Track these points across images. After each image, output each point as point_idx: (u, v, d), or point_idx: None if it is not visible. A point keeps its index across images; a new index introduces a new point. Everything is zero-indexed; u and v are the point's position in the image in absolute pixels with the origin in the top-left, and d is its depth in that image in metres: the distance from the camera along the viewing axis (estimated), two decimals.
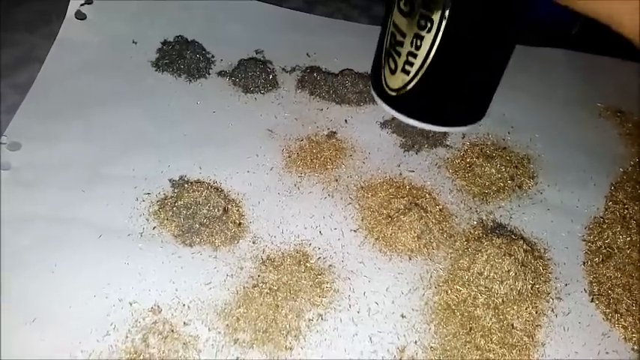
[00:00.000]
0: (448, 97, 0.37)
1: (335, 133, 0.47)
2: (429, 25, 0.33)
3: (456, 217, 0.42)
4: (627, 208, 0.45)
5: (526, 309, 0.37)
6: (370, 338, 0.35)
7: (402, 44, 0.35)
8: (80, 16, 0.51)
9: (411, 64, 0.35)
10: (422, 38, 0.34)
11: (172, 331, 0.34)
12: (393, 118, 0.48)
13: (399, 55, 0.36)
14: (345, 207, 0.42)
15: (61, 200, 0.39)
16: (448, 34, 0.33)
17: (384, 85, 0.38)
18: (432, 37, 0.33)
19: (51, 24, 0.51)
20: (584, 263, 0.41)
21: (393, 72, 0.37)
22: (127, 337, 0.33)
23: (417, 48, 0.34)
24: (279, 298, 0.36)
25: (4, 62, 0.48)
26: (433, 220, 0.41)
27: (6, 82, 0.46)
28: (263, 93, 0.49)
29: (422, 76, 0.35)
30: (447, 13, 0.32)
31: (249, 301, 0.35)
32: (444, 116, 0.38)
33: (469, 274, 0.38)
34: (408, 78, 0.36)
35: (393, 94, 0.37)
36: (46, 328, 0.33)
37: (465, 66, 0.35)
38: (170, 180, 0.41)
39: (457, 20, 0.32)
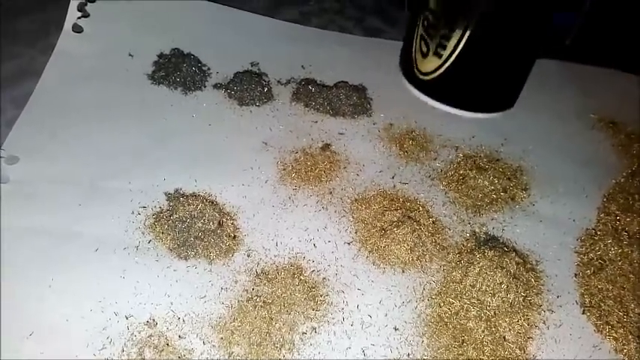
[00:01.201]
0: (480, 82, 0.36)
1: (329, 145, 0.47)
2: None
3: (449, 229, 0.43)
4: (619, 220, 0.45)
5: (518, 321, 0.37)
6: (363, 351, 0.35)
7: (436, 27, 0.35)
8: (77, 29, 0.52)
9: (444, 47, 0.35)
10: None
11: (167, 344, 0.34)
12: (387, 130, 0.49)
13: (432, 38, 0.35)
14: (339, 219, 0.42)
15: (57, 214, 0.39)
16: (484, 17, 0.32)
17: (415, 69, 0.37)
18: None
19: (48, 37, 0.51)
20: (575, 275, 0.42)
21: (424, 55, 0.36)
22: (123, 350, 0.33)
23: (452, 30, 0.34)
24: (273, 312, 0.36)
25: (2, 75, 0.48)
26: (426, 233, 0.41)
27: (4, 96, 0.47)
28: (258, 105, 0.50)
29: (455, 59, 0.35)
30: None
31: (244, 315, 0.36)
32: (474, 101, 0.37)
33: (461, 286, 0.39)
34: (440, 61, 0.35)
35: (425, 78, 0.37)
36: (43, 342, 0.33)
37: (498, 50, 0.35)
38: (166, 193, 0.42)
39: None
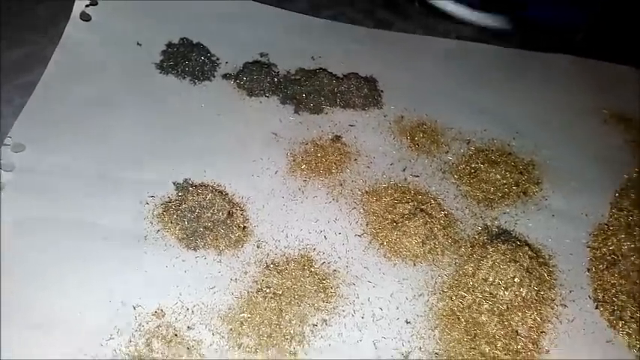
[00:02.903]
0: None
1: (340, 137, 0.47)
2: None
3: (461, 222, 0.42)
4: (632, 215, 0.44)
5: (530, 315, 0.37)
6: (374, 344, 0.35)
7: None
8: (85, 17, 0.51)
9: None
10: None
11: (176, 335, 0.34)
12: (398, 122, 0.48)
13: None
14: (350, 212, 0.42)
15: (65, 204, 0.39)
16: None
17: None
18: None
19: (57, 25, 0.51)
20: (588, 270, 0.41)
21: None
22: (130, 341, 0.33)
23: None
24: (283, 303, 0.36)
25: (9, 63, 0.48)
26: (438, 226, 0.41)
27: (11, 83, 0.46)
28: (268, 96, 0.49)
29: None
30: None
31: (253, 306, 0.35)
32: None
33: (474, 280, 0.38)
34: None
35: None
36: (51, 332, 0.33)
37: None
38: (175, 183, 0.41)
39: None
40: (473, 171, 0.45)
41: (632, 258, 0.42)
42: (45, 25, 0.51)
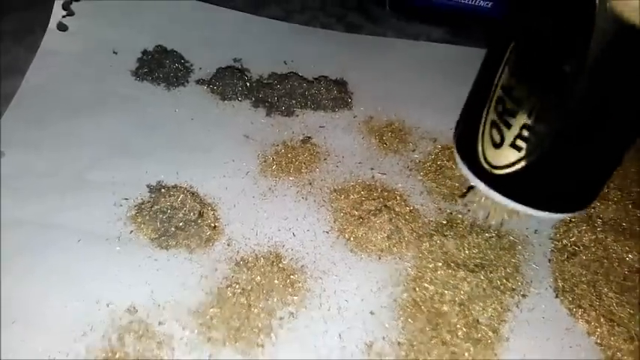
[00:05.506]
0: (567, 181, 0.32)
1: (310, 138, 0.48)
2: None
3: (426, 217, 0.44)
4: (593, 208, 0.46)
5: (491, 305, 0.38)
6: (340, 335, 0.36)
7: (514, 114, 0.30)
8: (62, 27, 0.53)
9: (526, 140, 0.30)
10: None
11: (147, 330, 0.35)
12: (367, 123, 0.50)
13: (509, 126, 0.30)
14: (319, 209, 0.43)
15: (41, 207, 0.40)
16: (583, 102, 0.28)
17: (481, 160, 0.33)
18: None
19: (34, 35, 0.52)
20: (549, 261, 0.42)
21: (497, 146, 0.31)
22: (103, 336, 0.34)
23: (540, 120, 0.29)
24: (252, 298, 0.37)
25: None
26: (403, 221, 0.42)
27: None
28: (240, 100, 0.51)
29: (542, 155, 0.30)
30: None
31: (223, 301, 0.37)
32: (555, 202, 0.33)
33: (436, 272, 0.39)
34: (518, 155, 0.31)
35: (495, 171, 0.32)
36: (25, 330, 0.34)
37: (595, 145, 0.30)
38: (148, 185, 0.43)
39: (596, 87, 0.27)
40: (438, 168, 0.47)
41: (593, 249, 0.43)
42: (21, 36, 0.52)
